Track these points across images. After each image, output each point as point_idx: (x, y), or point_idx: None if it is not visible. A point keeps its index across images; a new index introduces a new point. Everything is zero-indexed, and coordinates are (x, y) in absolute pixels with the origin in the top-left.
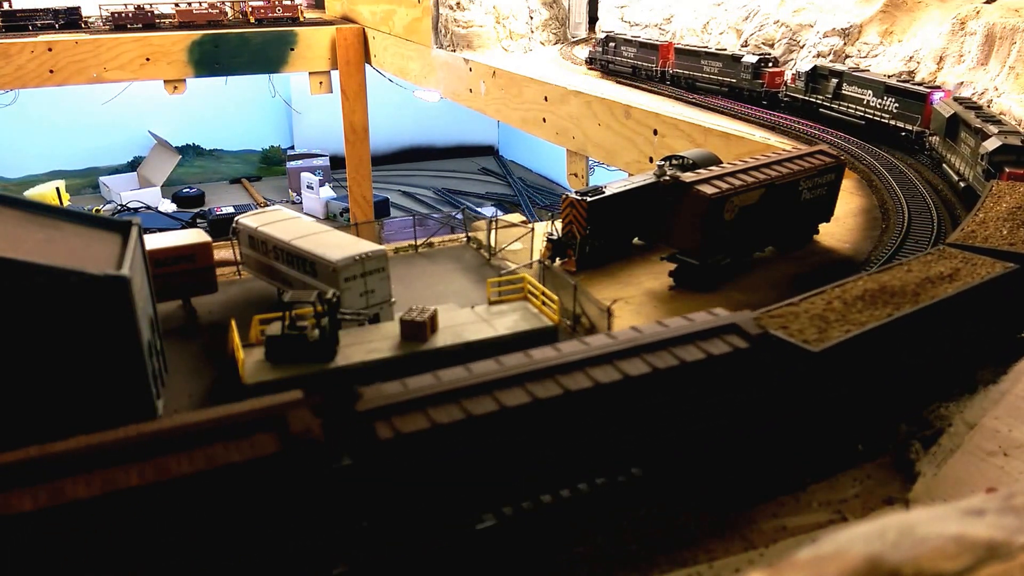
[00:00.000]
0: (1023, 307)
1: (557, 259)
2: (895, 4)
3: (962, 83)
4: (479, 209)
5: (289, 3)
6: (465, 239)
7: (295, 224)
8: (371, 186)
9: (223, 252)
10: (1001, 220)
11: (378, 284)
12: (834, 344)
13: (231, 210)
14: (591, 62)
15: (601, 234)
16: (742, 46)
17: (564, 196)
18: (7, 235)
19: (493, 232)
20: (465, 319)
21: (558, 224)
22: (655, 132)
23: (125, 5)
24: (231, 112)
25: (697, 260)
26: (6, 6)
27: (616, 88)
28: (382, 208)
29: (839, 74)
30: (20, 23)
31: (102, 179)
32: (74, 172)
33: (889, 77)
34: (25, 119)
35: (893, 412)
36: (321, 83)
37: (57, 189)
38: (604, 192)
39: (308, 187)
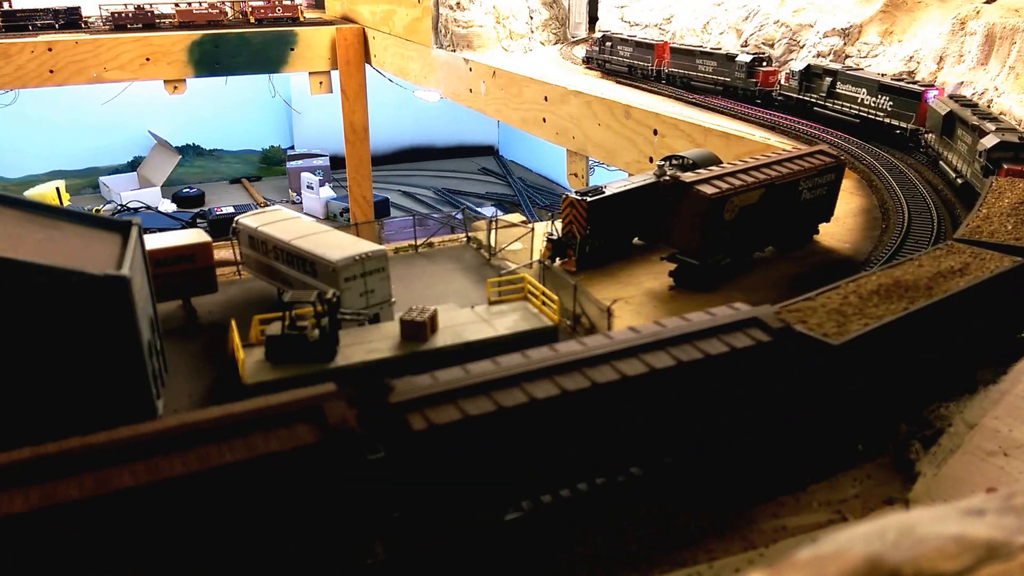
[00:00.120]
0: None
1: (557, 259)
2: (895, 4)
3: (962, 83)
4: (479, 209)
5: (289, 3)
6: (465, 239)
7: (295, 224)
8: (371, 186)
9: (223, 252)
10: (1005, 215)
11: (378, 284)
12: (854, 337)
13: (231, 210)
14: (588, 61)
15: (601, 234)
16: (742, 46)
17: (564, 196)
18: (7, 235)
19: (493, 232)
20: (465, 319)
21: (558, 224)
22: (655, 132)
23: (125, 5)
24: (231, 112)
25: (697, 260)
26: (6, 6)
27: (616, 88)
28: (382, 208)
29: (833, 73)
30: (20, 23)
31: (102, 179)
32: (74, 172)
33: (883, 76)
34: (25, 119)
35: (906, 408)
36: (321, 83)
37: (57, 189)
38: (604, 192)
39: (308, 187)
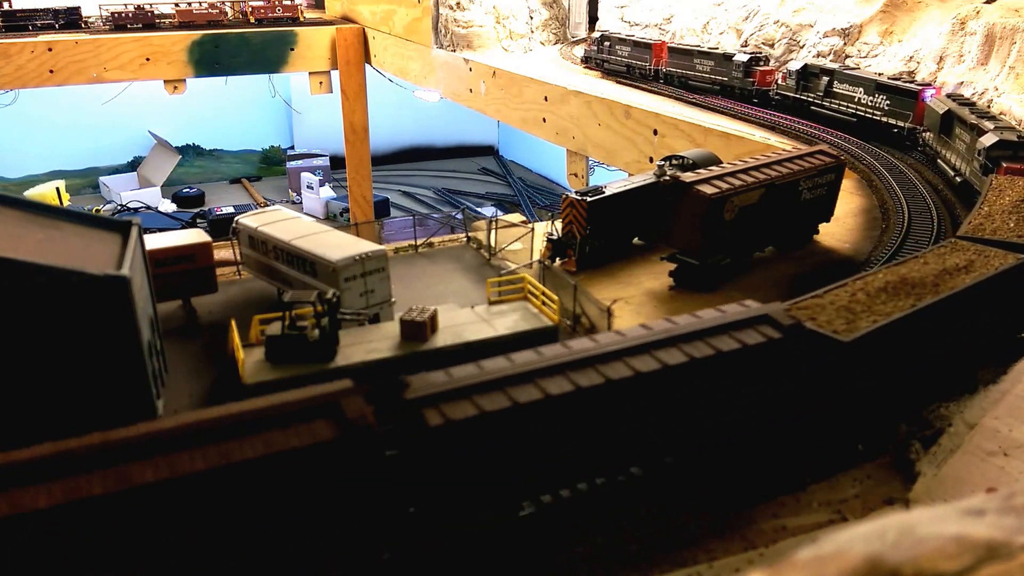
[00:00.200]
0: None
1: (557, 259)
2: (895, 4)
3: (962, 83)
4: (479, 209)
5: (289, 3)
6: (465, 239)
7: (295, 224)
8: (371, 186)
9: (223, 252)
10: (1007, 213)
11: (378, 284)
12: (864, 334)
13: (231, 210)
14: (586, 60)
15: (601, 234)
16: (742, 46)
17: (564, 196)
18: (7, 235)
19: (493, 232)
20: (465, 319)
21: (558, 224)
22: (655, 132)
23: (125, 5)
24: (231, 112)
25: (697, 260)
26: (6, 6)
27: (616, 88)
28: (382, 208)
29: (830, 72)
30: (20, 23)
31: (102, 179)
32: (74, 172)
33: (880, 75)
34: (25, 119)
35: (912, 406)
36: (321, 83)
37: (57, 189)
38: (604, 192)
39: (308, 187)
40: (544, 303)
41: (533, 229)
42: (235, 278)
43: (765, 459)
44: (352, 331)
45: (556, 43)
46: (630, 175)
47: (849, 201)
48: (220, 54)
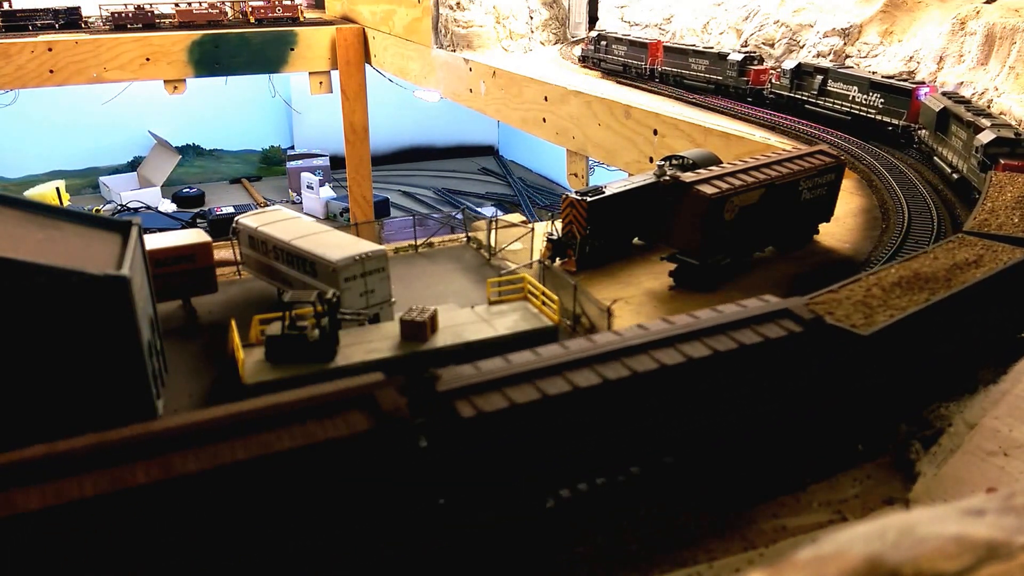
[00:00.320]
0: None
1: (557, 259)
2: (895, 4)
3: (962, 83)
4: (479, 209)
5: (289, 3)
6: (465, 239)
7: (295, 224)
8: (371, 186)
9: (223, 252)
10: (1010, 209)
11: (378, 284)
12: (882, 328)
13: (231, 210)
14: (584, 60)
15: (601, 234)
16: (742, 46)
17: (564, 196)
18: (7, 235)
19: (493, 232)
20: (465, 319)
21: (558, 224)
22: (655, 132)
23: (125, 5)
24: (231, 112)
25: (697, 260)
26: (6, 6)
27: (616, 88)
28: (382, 208)
29: (824, 71)
30: (20, 23)
31: (102, 179)
32: (74, 172)
33: (874, 73)
34: (25, 119)
35: (915, 404)
36: (321, 83)
37: (57, 189)
38: (604, 192)
39: (308, 187)
40: (544, 303)
41: (533, 229)
42: (235, 278)
43: (766, 459)
44: (352, 331)
45: (556, 43)
46: (630, 175)
47: (849, 201)
48: (220, 54)
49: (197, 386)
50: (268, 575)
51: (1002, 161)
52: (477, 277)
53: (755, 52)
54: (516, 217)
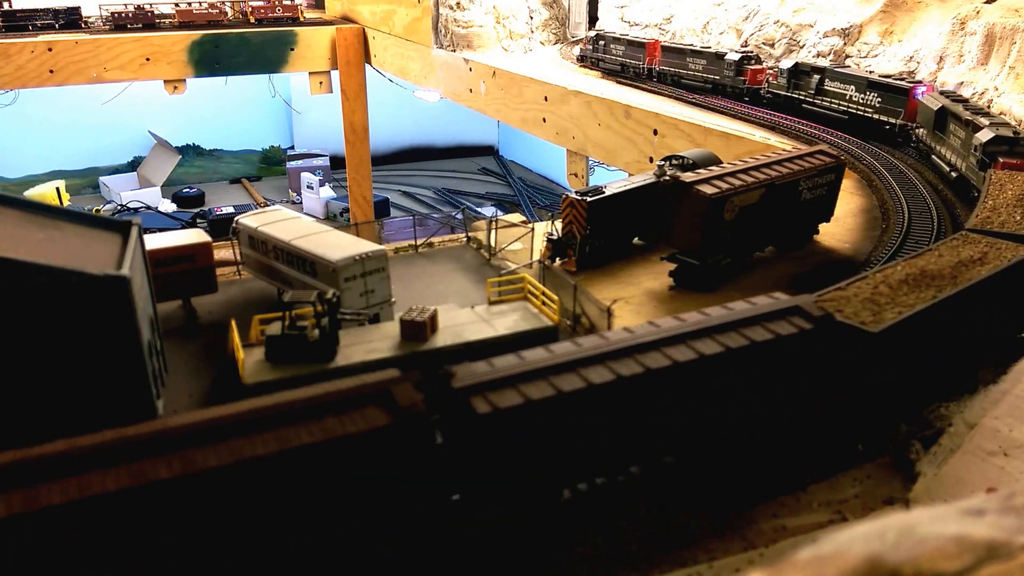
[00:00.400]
0: None
1: (557, 259)
2: (895, 4)
3: (962, 83)
4: (479, 209)
5: (289, 3)
6: (465, 239)
7: (295, 224)
8: (371, 186)
9: (223, 252)
10: (1011, 206)
11: (378, 284)
12: (891, 324)
13: (231, 210)
14: (582, 59)
15: (601, 234)
16: (742, 46)
17: (564, 196)
18: (7, 235)
19: (493, 232)
20: (465, 319)
21: (558, 224)
22: (655, 132)
23: (125, 5)
24: (231, 112)
25: (697, 260)
26: (6, 6)
27: (616, 88)
28: (382, 208)
29: (821, 70)
30: (20, 23)
31: (102, 179)
32: (74, 172)
33: (871, 72)
34: (25, 119)
35: (916, 404)
36: (321, 83)
37: (57, 189)
38: (604, 192)
39: (308, 187)
40: (544, 303)
41: (533, 229)
42: (235, 278)
43: (767, 458)
44: (352, 331)
45: (556, 43)
46: (630, 175)
47: (849, 201)
48: (220, 54)
49: (197, 386)
50: (284, 570)
51: (1001, 159)
52: (477, 277)
53: (752, 52)
54: (516, 217)
